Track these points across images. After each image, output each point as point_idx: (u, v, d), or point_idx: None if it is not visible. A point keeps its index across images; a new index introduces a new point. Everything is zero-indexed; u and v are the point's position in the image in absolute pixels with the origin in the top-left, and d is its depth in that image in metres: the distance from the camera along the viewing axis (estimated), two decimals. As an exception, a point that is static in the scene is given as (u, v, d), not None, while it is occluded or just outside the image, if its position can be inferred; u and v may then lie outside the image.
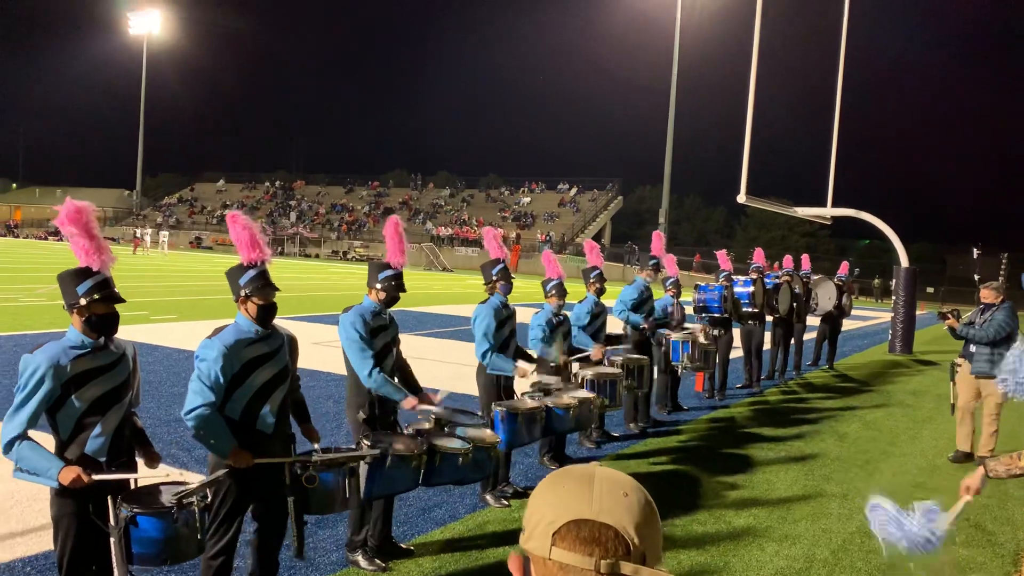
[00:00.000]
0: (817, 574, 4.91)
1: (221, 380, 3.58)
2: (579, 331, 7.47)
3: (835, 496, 6.45)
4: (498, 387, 5.99)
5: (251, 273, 3.72)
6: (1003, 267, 34.79)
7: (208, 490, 3.38)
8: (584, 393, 6.13)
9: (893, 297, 18.37)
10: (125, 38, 70.73)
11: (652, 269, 8.89)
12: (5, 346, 11.07)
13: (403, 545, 4.88)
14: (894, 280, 18.74)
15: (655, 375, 8.88)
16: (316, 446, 3.95)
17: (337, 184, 72.18)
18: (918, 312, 18.43)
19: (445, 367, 11.14)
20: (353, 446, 4.28)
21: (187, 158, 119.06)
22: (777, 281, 12.33)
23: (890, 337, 17.97)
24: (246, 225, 3.76)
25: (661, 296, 9.36)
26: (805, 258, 14.57)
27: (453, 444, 4.42)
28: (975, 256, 32.91)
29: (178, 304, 18.42)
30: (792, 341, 12.92)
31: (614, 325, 8.38)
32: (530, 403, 5.59)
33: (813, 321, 14.42)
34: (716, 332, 9.76)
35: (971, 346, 7.71)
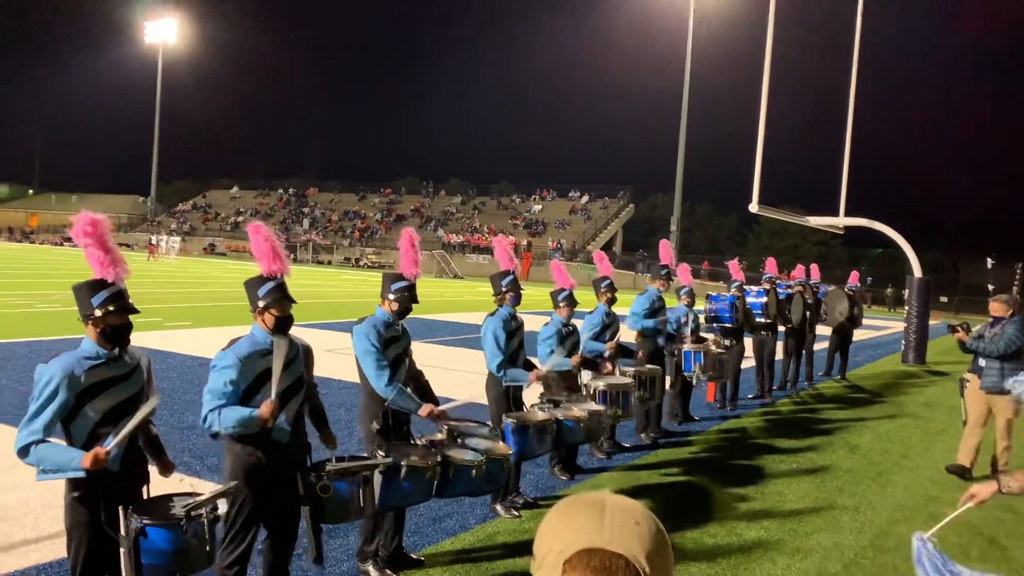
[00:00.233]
0: (829, 588, 4.89)
1: (234, 389, 3.62)
2: (589, 341, 7.47)
3: (847, 509, 6.41)
4: (508, 398, 6.00)
5: (270, 285, 3.76)
6: (1018, 277, 34.49)
7: (218, 501, 3.40)
8: (594, 405, 6.13)
9: (906, 307, 18.28)
10: (141, 46, 71.40)
11: (664, 279, 8.87)
12: (20, 352, 11.16)
13: (413, 555, 4.89)
14: (907, 290, 18.64)
15: (667, 385, 8.85)
16: (332, 457, 3.98)
17: (350, 191, 72.48)
18: (931, 322, 18.31)
19: (456, 375, 11.14)
20: (366, 455, 4.30)
21: (201, 165, 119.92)
22: (789, 291, 12.30)
23: (903, 347, 17.86)
24: (268, 237, 3.81)
25: (674, 305, 9.35)
26: (814, 268, 14.52)
27: (467, 456, 4.43)
28: (989, 266, 32.65)
29: (192, 311, 18.52)
30: (804, 351, 12.86)
31: (626, 336, 8.37)
32: (540, 415, 5.60)
33: (824, 331, 14.37)
34: (728, 342, 9.74)
35: (981, 360, 7.57)
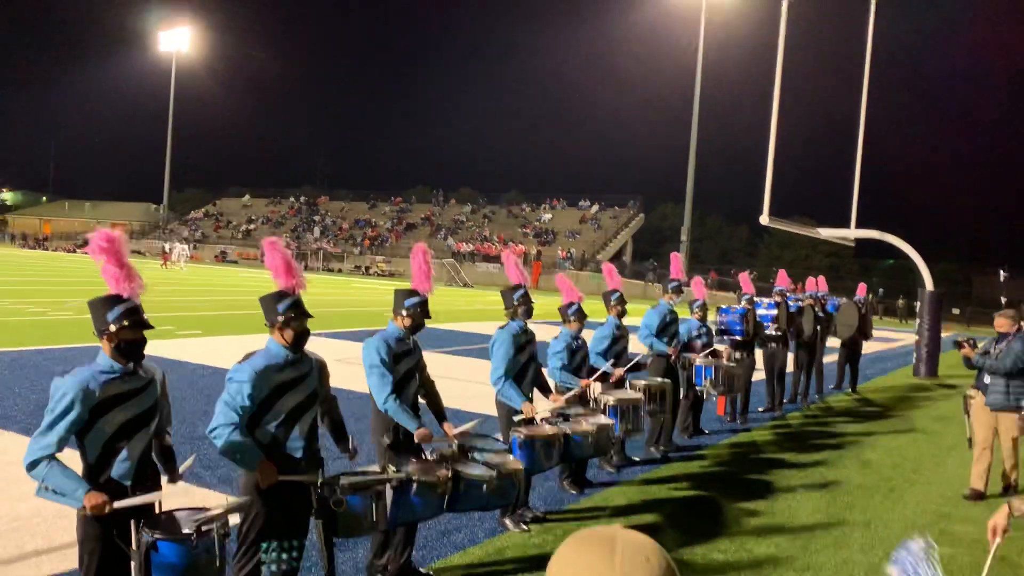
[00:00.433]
0: (839, 606, 4.86)
1: (249, 403, 3.66)
2: (598, 355, 7.46)
3: (858, 525, 6.38)
4: (517, 410, 6.00)
5: (289, 301, 3.82)
6: (1031, 289, 34.35)
7: (229, 516, 3.42)
8: (603, 419, 6.12)
9: (918, 319, 18.19)
10: (155, 55, 72.05)
11: (674, 292, 8.86)
12: (34, 360, 11.23)
13: (422, 570, 4.89)
14: (919, 302, 18.56)
15: (679, 398, 8.83)
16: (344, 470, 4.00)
17: (360, 200, 72.73)
18: (943, 334, 18.21)
19: (465, 386, 11.16)
20: (377, 469, 4.32)
21: (213, 173, 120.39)
22: (800, 304, 12.26)
23: (914, 360, 17.78)
24: (284, 253, 3.86)
25: (686, 317, 9.34)
26: (821, 280, 14.44)
27: (478, 471, 4.44)
28: (1002, 278, 32.43)
29: (202, 319, 18.60)
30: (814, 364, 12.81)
31: (637, 349, 8.36)
32: (548, 430, 5.60)
33: (833, 343, 14.30)
34: (738, 355, 9.72)
35: (985, 377, 7.42)
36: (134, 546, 3.19)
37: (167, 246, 51.04)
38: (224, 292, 29.64)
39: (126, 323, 3.31)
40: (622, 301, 7.77)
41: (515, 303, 6.07)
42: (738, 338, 10.27)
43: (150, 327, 3.41)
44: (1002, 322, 7.43)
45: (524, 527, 5.76)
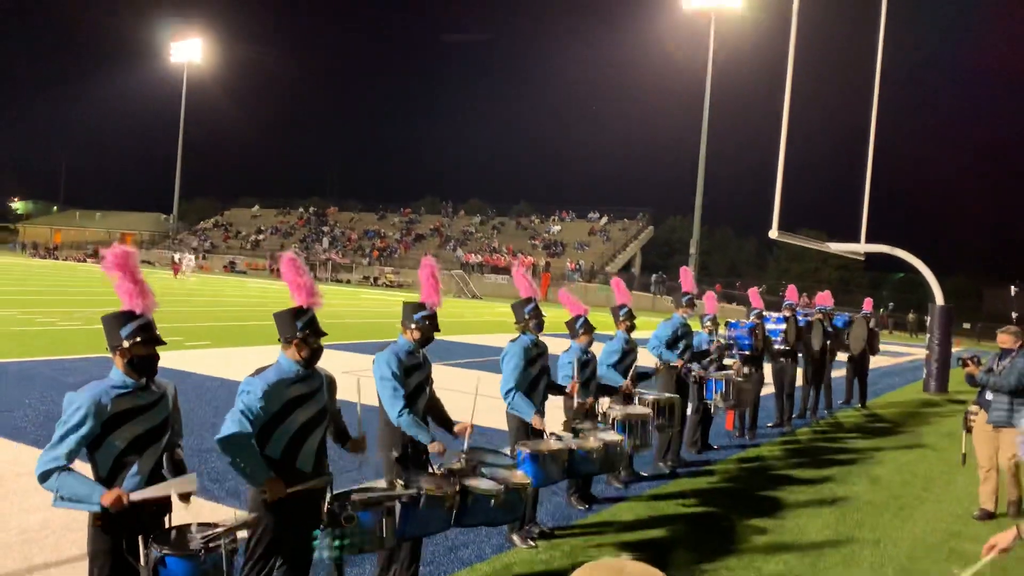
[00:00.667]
0: (848, 626, 4.83)
1: (261, 415, 3.68)
2: (608, 368, 7.46)
3: (868, 543, 6.34)
4: (526, 424, 6.01)
5: (306, 318, 3.85)
6: (1041, 305, 34.15)
7: (237, 532, 3.43)
8: (613, 436, 6.11)
9: (928, 334, 18.11)
10: (166, 66, 72.49)
11: (688, 305, 8.85)
12: (42, 371, 11.28)
13: (430, 585, 4.88)
14: (929, 317, 18.48)
15: (688, 412, 8.81)
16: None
17: (369, 211, 72.97)
18: (953, 349, 18.12)
19: (477, 400, 11.12)
20: (384, 484, 4.32)
21: (223, 183, 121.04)
22: (809, 319, 12.23)
23: (924, 375, 17.70)
24: (302, 270, 3.90)
25: (697, 330, 9.34)
26: (827, 294, 14.38)
27: (486, 486, 4.44)
28: (1013, 293, 32.27)
29: (211, 330, 18.66)
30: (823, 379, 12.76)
31: (647, 361, 8.35)
32: (554, 444, 5.60)
33: (840, 357, 14.24)
34: (747, 370, 9.69)
35: (987, 393, 7.32)
36: (143, 561, 3.22)
37: (176, 256, 51.23)
38: (233, 303, 29.73)
39: (139, 339, 3.34)
40: (631, 316, 7.77)
41: (526, 317, 6.09)
42: (747, 353, 10.25)
43: (163, 343, 3.44)
44: (1005, 338, 7.34)
45: (531, 543, 5.75)
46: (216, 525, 3.39)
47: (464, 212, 70.61)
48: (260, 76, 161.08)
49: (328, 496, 3.81)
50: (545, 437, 5.79)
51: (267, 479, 3.63)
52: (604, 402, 7.06)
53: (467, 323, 26.66)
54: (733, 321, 10.75)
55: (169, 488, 3.39)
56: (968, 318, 46.35)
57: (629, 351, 7.68)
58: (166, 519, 3.48)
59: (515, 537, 5.77)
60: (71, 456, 3.24)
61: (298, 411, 3.78)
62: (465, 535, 5.74)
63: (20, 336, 15.26)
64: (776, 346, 11.12)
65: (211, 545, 3.21)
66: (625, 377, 7.45)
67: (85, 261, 59.76)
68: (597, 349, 7.21)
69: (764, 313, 11.13)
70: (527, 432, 5.96)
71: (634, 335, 7.82)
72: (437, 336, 5.12)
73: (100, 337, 3.43)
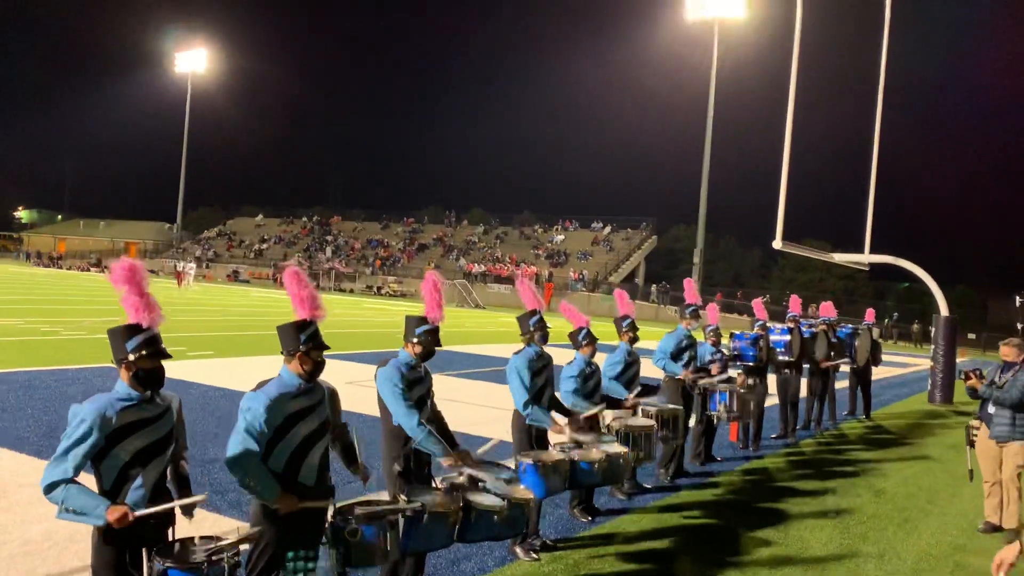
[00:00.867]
0: (853, 641, 4.80)
1: (266, 431, 3.68)
2: (611, 381, 7.46)
3: (871, 556, 6.31)
4: (531, 436, 6.01)
5: (310, 331, 3.85)
6: (1046, 316, 33.96)
7: (240, 546, 3.43)
8: (616, 447, 6.10)
9: (932, 345, 18.06)
10: (171, 76, 72.88)
11: (692, 317, 8.85)
12: (46, 381, 11.28)
13: (433, 598, 4.87)
14: (933, 328, 18.44)
15: (691, 424, 8.79)
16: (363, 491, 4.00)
17: (373, 220, 73.05)
18: (958, 360, 18.08)
19: (479, 410, 11.13)
20: (387, 497, 4.32)
21: (226, 192, 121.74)
22: (813, 330, 12.21)
23: (929, 387, 17.65)
24: (306, 283, 3.91)
25: (701, 341, 9.33)
26: (829, 305, 14.35)
27: (489, 501, 4.43)
28: (1017, 304, 32.18)
29: (214, 340, 18.66)
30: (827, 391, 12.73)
31: (651, 373, 8.34)
32: (556, 455, 5.59)
33: (843, 369, 14.21)
34: (751, 381, 9.68)
35: (990, 407, 7.24)
36: (146, 574, 3.22)
37: (179, 265, 51.23)
38: (237, 312, 29.75)
39: (145, 352, 3.35)
40: (633, 327, 7.77)
41: (531, 328, 6.10)
42: (751, 364, 10.23)
43: (168, 356, 3.45)
44: (1008, 351, 7.27)
45: (534, 556, 5.73)
46: (219, 538, 3.39)
47: (467, 221, 70.69)
48: (264, 85, 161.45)
49: (331, 511, 3.81)
50: (552, 446, 5.79)
51: (279, 495, 3.64)
52: (608, 414, 7.05)
53: (469, 333, 26.64)
54: (737, 332, 10.74)
55: (179, 502, 3.40)
56: (973, 329, 46.21)
57: (632, 363, 7.67)
58: (169, 532, 3.48)
59: (518, 549, 5.75)
60: (77, 469, 3.25)
61: (300, 425, 3.77)
62: (468, 547, 5.72)
63: (23, 346, 15.27)
64: (780, 357, 11.10)
65: (214, 559, 3.21)
66: (629, 389, 7.44)
67: (89, 270, 59.88)
68: (600, 359, 7.21)
69: (768, 324, 11.12)
70: (531, 443, 5.96)
71: (637, 346, 7.82)
72: (439, 347, 5.12)
73: (104, 347, 3.44)
